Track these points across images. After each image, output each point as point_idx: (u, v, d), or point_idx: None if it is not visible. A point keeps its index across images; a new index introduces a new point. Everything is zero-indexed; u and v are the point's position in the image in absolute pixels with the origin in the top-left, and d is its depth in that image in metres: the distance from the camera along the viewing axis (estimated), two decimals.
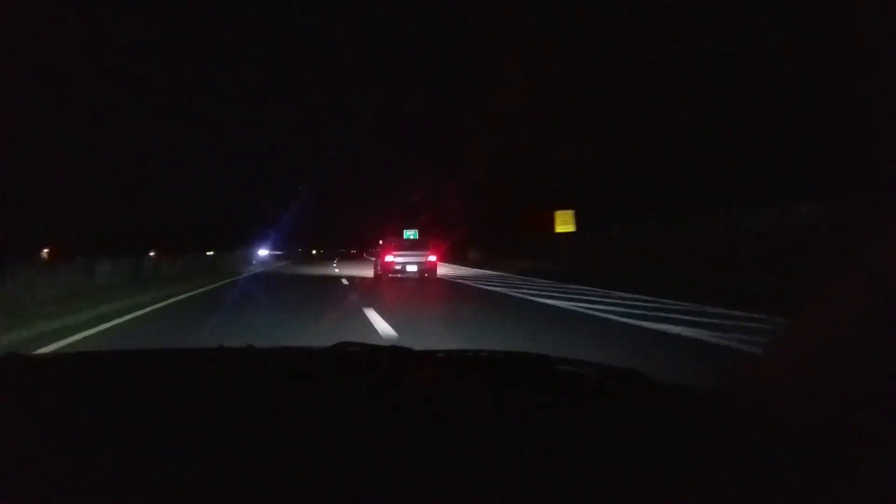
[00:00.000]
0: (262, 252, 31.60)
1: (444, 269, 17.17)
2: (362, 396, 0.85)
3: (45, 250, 44.36)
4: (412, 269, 13.47)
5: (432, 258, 13.90)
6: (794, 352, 0.73)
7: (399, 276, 13.50)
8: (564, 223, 22.57)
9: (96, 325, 6.29)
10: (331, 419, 0.73)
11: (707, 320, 5.81)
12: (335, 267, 25.80)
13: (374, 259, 18.55)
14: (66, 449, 0.63)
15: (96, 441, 0.65)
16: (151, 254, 24.87)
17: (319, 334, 5.41)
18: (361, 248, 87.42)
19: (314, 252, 54.26)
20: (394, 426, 0.71)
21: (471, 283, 12.77)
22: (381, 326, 5.83)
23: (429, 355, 1.14)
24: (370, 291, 10.90)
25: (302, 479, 0.55)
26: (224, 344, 1.21)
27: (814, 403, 0.65)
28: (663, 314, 6.40)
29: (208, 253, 27.43)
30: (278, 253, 45.97)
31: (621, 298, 8.14)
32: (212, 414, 0.75)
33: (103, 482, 0.54)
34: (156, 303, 8.82)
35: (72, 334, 5.62)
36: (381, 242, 15.72)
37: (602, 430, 0.71)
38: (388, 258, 13.68)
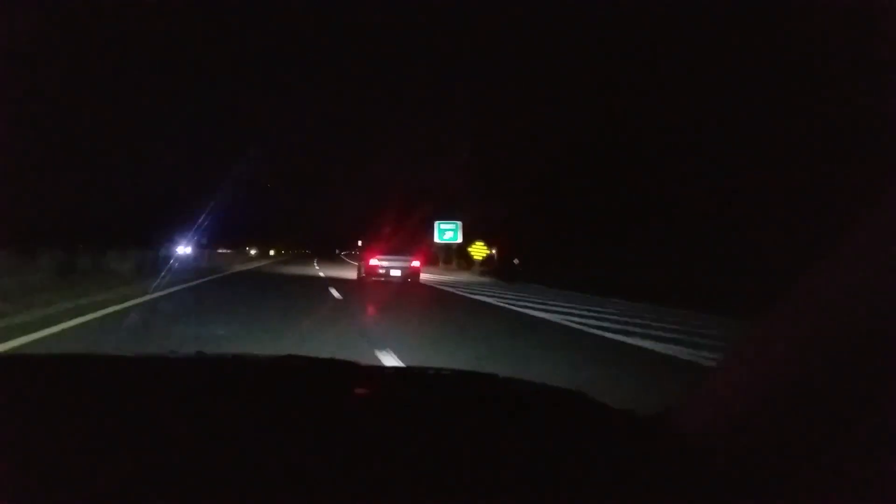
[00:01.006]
0: (185, 250, 19.62)
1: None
2: (303, 411, 0.84)
3: None
4: (396, 273, 13.53)
5: (416, 263, 14.03)
6: (748, 368, 0.72)
7: (382, 279, 13.53)
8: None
9: None
10: (267, 432, 0.73)
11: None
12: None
13: (356, 263, 18.65)
14: (30, 457, 0.63)
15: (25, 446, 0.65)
16: None
17: None
18: (336, 247, 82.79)
19: (251, 251, 43.26)
20: (332, 442, 0.71)
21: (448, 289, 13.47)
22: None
23: (376, 371, 1.15)
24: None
25: (236, 494, 0.56)
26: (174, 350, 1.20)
27: (760, 430, 0.65)
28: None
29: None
30: (224, 251, 32.29)
31: None
32: (145, 421, 0.75)
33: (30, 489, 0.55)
34: None
35: None
36: (360, 244, 15.23)
37: (538, 451, 0.71)
38: (373, 262, 13.68)
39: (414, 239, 17.81)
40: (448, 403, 0.94)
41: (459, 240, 25.72)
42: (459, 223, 24.97)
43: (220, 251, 29.69)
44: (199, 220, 20.37)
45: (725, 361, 0.82)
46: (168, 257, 16.51)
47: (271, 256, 48.79)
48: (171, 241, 19.15)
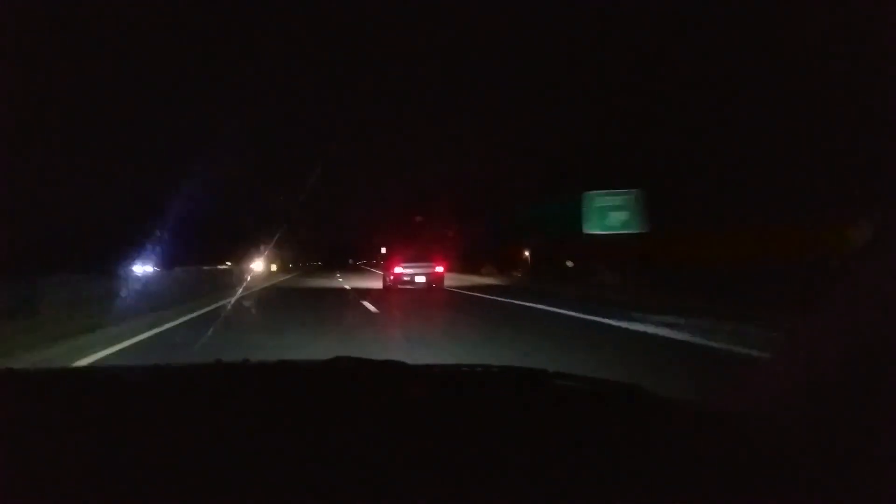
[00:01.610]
0: (144, 269, 14.16)
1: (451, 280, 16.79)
2: (356, 411, 0.85)
3: None
4: (420, 279, 13.88)
5: (439, 269, 14.31)
6: (798, 361, 0.72)
7: (408, 286, 13.92)
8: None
9: None
10: (324, 434, 0.73)
11: None
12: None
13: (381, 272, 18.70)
14: (62, 465, 0.63)
15: (94, 458, 0.65)
16: None
17: None
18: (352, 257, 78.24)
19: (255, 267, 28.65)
20: (388, 442, 0.71)
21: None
22: None
23: (424, 370, 1.15)
24: None
25: (297, 493, 0.57)
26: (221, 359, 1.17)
27: (817, 416, 0.65)
28: None
29: None
30: (222, 267, 24.87)
31: None
32: (206, 429, 0.75)
33: (100, 498, 0.56)
34: None
35: None
36: (383, 251, 15.36)
37: (598, 447, 0.70)
38: (397, 269, 14.09)
39: (436, 244, 17.80)
40: (499, 400, 0.93)
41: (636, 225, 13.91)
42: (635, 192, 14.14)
43: (210, 267, 21.82)
44: (160, 232, 15.14)
45: (778, 355, 0.81)
46: (129, 280, 11.05)
47: (276, 271, 37.52)
48: (132, 260, 13.73)
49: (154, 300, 9.11)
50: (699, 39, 13.55)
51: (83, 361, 4.60)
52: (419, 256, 14.54)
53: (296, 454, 0.65)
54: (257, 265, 29.44)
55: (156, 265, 14.96)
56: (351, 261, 77.96)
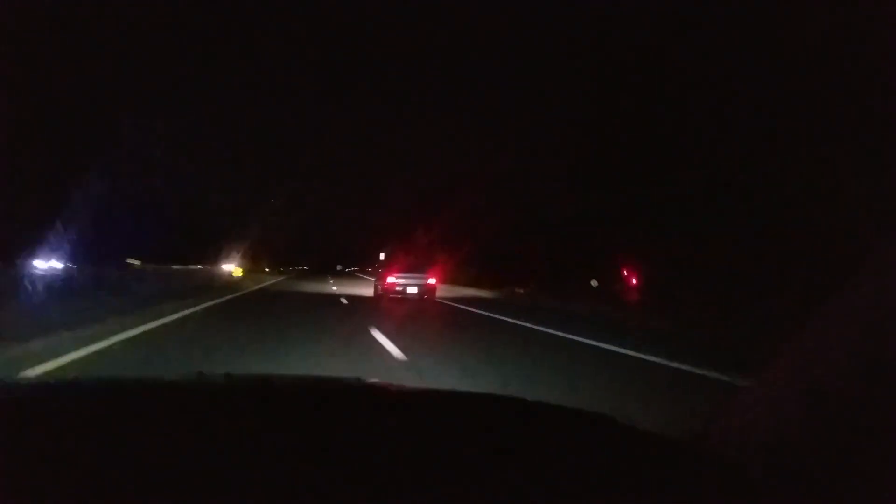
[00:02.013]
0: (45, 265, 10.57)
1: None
2: (332, 432, 0.83)
3: None
4: (412, 290, 13.94)
5: (432, 281, 14.40)
6: (780, 388, 0.76)
7: (399, 296, 13.98)
8: None
9: None
10: (303, 454, 0.71)
11: None
12: None
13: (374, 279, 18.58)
14: (42, 479, 0.61)
15: (76, 471, 0.63)
16: None
17: None
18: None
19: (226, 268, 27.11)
20: (361, 465, 0.68)
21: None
22: None
23: (405, 393, 1.20)
24: None
25: None
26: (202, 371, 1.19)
27: (816, 416, 0.67)
28: None
29: None
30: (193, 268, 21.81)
31: None
32: (188, 445, 0.73)
33: None
34: None
35: None
36: (381, 257, 15.96)
37: (571, 476, 0.69)
38: (390, 279, 14.20)
39: (430, 256, 17.49)
40: (473, 425, 0.93)
41: None
42: None
43: (164, 267, 18.43)
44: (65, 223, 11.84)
45: (758, 381, 0.83)
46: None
47: (244, 277, 27.99)
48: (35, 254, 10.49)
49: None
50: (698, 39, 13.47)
51: None
52: (412, 266, 14.66)
53: (282, 479, 0.63)
54: (228, 267, 26.47)
55: (69, 260, 11.31)
56: (339, 267, 73.83)
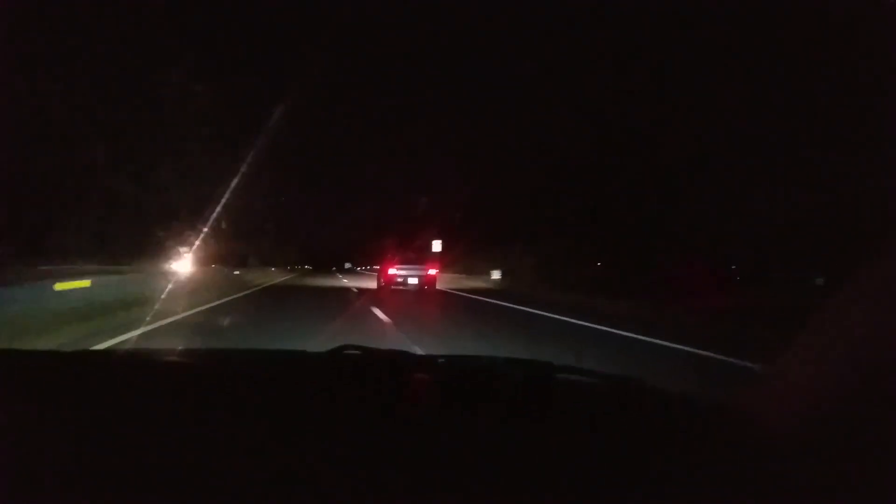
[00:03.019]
0: None
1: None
2: (360, 401, 0.84)
3: None
4: (413, 281, 14.39)
5: (432, 271, 14.81)
6: (799, 366, 0.73)
7: (401, 287, 14.40)
8: None
9: None
10: (328, 423, 0.72)
11: None
12: None
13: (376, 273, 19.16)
14: (60, 447, 0.61)
15: (95, 441, 0.64)
16: None
17: None
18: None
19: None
20: (392, 432, 0.70)
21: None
22: None
23: (429, 360, 1.15)
24: None
25: (298, 483, 0.55)
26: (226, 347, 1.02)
27: (818, 418, 0.65)
28: None
29: None
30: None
31: None
32: (206, 416, 0.73)
33: (100, 482, 0.54)
34: None
35: None
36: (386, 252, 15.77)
37: (603, 438, 0.71)
38: (391, 271, 14.55)
39: (430, 247, 18.39)
40: (508, 391, 0.94)
41: None
42: None
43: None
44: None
45: (778, 363, 0.81)
46: None
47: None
48: None
49: None
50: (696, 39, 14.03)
51: None
52: (412, 259, 15.09)
53: (296, 449, 0.63)
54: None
55: None
56: (349, 265, 71.85)
